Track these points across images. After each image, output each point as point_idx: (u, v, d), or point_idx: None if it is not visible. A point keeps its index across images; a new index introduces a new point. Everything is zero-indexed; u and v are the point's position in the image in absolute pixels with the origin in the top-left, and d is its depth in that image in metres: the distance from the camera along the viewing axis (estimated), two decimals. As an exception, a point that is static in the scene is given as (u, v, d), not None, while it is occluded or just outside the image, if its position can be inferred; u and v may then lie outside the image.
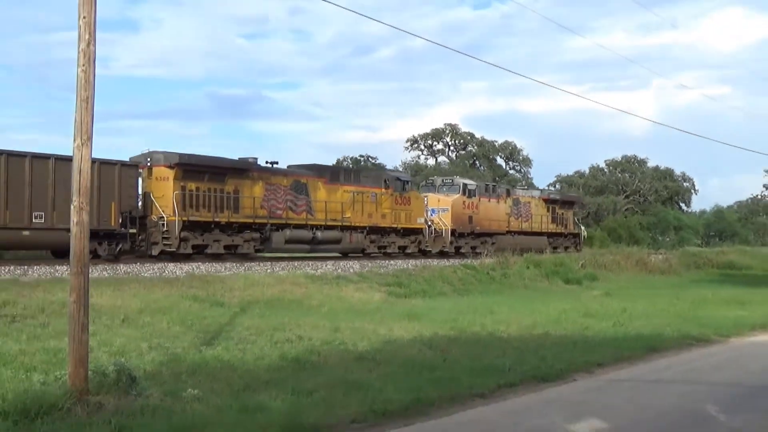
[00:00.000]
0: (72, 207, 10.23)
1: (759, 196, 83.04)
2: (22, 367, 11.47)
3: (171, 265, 27.63)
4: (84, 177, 10.14)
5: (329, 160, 44.38)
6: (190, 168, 28.75)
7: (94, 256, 24.95)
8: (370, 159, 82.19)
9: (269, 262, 30.84)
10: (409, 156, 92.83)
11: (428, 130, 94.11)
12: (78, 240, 10.05)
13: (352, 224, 34.88)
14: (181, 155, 28.61)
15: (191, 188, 28.59)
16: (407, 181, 39.04)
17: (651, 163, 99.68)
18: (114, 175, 26.27)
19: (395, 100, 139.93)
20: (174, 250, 27.83)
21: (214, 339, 15.30)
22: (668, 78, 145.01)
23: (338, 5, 16.03)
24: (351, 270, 30.92)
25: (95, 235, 24.93)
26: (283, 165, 34.16)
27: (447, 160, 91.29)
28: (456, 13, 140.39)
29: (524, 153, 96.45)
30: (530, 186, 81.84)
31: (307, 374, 12.06)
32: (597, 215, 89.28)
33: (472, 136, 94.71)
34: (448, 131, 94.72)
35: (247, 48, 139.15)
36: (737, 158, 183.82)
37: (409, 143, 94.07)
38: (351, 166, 37.37)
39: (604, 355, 14.94)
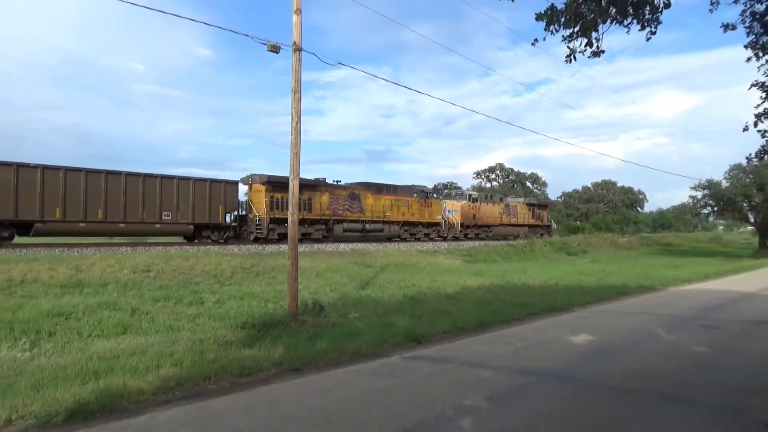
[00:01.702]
0: (289, 212, 11.15)
1: (686, 203, 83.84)
2: (262, 300, 12.50)
3: (342, 245, 28.00)
4: (295, 196, 11.03)
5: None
6: (275, 184, 27.92)
7: (209, 240, 26.14)
8: (453, 184, 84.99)
9: (385, 244, 30.92)
10: (475, 182, 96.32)
11: (486, 167, 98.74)
12: (291, 230, 11.02)
13: (391, 220, 34.56)
14: (270, 176, 28.20)
15: (277, 197, 28.17)
16: (429, 192, 38.61)
17: (619, 184, 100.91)
18: (221, 189, 26.27)
19: (467, 150, 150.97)
20: (264, 236, 27.65)
21: (365, 286, 15.95)
22: (629, 133, 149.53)
23: (434, 97, 17.13)
24: (442, 248, 30.64)
25: (207, 227, 26.06)
26: (346, 182, 33.67)
27: (497, 184, 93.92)
28: (501, 100, 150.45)
29: (543, 179, 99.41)
30: (531, 195, 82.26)
31: (418, 306, 12.55)
32: (586, 215, 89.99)
33: (512, 169, 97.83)
34: (497, 167, 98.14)
35: (383, 122, 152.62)
36: (673, 180, 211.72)
37: (475, 174, 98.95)
38: (418, 186, 36.36)
39: (591, 297, 15.04)
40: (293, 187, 11.12)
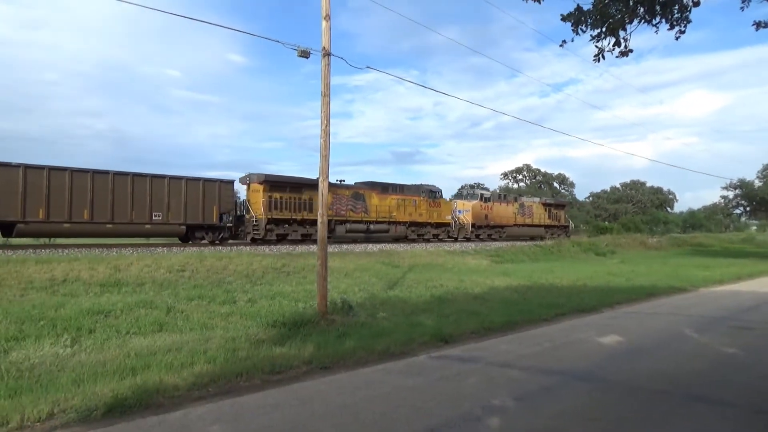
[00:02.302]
0: (319, 213, 11.24)
1: (717, 203, 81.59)
2: (293, 299, 12.64)
3: (370, 246, 27.81)
4: (324, 197, 11.13)
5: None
6: (273, 183, 27.28)
7: (204, 240, 25.05)
8: (479, 185, 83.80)
9: (412, 245, 30.68)
10: (502, 183, 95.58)
11: (513, 168, 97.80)
12: (321, 231, 11.11)
13: (397, 220, 33.09)
14: (267, 175, 27.35)
15: (276, 197, 27.27)
16: (437, 191, 36.19)
17: (648, 184, 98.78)
18: (216, 189, 25.16)
19: (493, 151, 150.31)
20: (261, 237, 26.62)
21: (393, 285, 15.99)
22: (658, 133, 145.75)
23: (461, 99, 17.02)
24: (470, 248, 30.48)
25: (201, 227, 24.92)
26: (350, 182, 32.48)
27: (524, 185, 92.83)
28: (528, 101, 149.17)
29: (570, 180, 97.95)
30: (558, 195, 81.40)
31: (445, 306, 12.54)
32: (615, 216, 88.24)
33: (539, 170, 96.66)
34: (524, 168, 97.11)
35: (410, 124, 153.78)
36: (703, 179, 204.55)
37: (502, 175, 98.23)
38: (425, 185, 34.88)
39: (620, 298, 14.80)
40: (323, 188, 11.23)
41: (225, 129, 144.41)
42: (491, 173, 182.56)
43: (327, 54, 10.89)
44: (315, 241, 27.16)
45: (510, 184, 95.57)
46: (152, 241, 25.70)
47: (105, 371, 6.67)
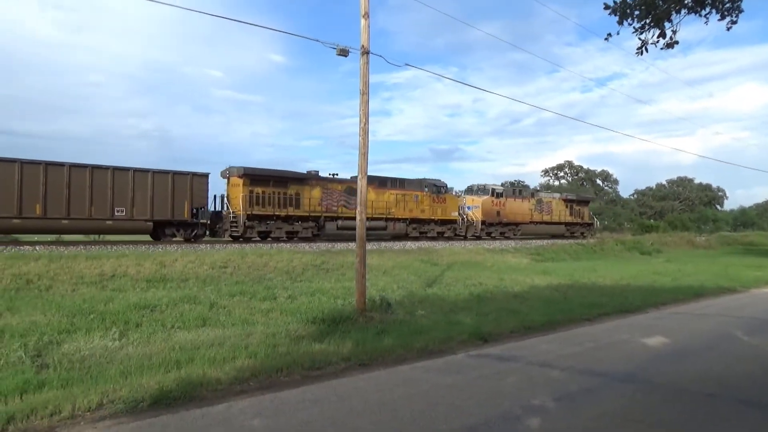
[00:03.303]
0: (357, 211, 11.29)
1: None
2: (332, 296, 12.69)
3: (409, 243, 27.50)
4: (363, 195, 11.13)
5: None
6: (255, 177, 25.48)
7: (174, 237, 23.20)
8: (519, 182, 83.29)
9: (451, 242, 30.37)
10: (543, 180, 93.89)
11: (554, 165, 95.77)
12: (360, 228, 11.12)
13: (395, 216, 30.88)
14: (247, 168, 25.39)
15: (258, 192, 25.47)
16: (442, 186, 33.96)
17: (696, 181, 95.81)
18: (187, 182, 23.14)
19: (534, 148, 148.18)
20: (240, 234, 24.95)
21: (432, 283, 15.90)
22: (707, 128, 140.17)
23: (500, 95, 16.79)
24: (510, 246, 30.10)
25: (170, 224, 23.07)
26: (346, 176, 30.14)
27: (565, 182, 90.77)
28: (570, 96, 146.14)
29: (614, 176, 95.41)
30: (601, 192, 79.55)
31: (484, 304, 12.45)
32: (661, 213, 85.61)
33: (581, 167, 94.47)
34: (566, 165, 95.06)
35: (449, 121, 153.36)
36: (755, 176, 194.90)
37: (543, 172, 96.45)
38: (429, 179, 32.43)
39: (666, 298, 14.52)
40: (362, 186, 11.24)
41: (265, 128, 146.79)
42: (532, 170, 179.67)
43: (366, 52, 10.94)
44: (303, 239, 26.85)
45: (551, 181, 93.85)
46: (118, 238, 24.20)
47: (151, 364, 6.87)
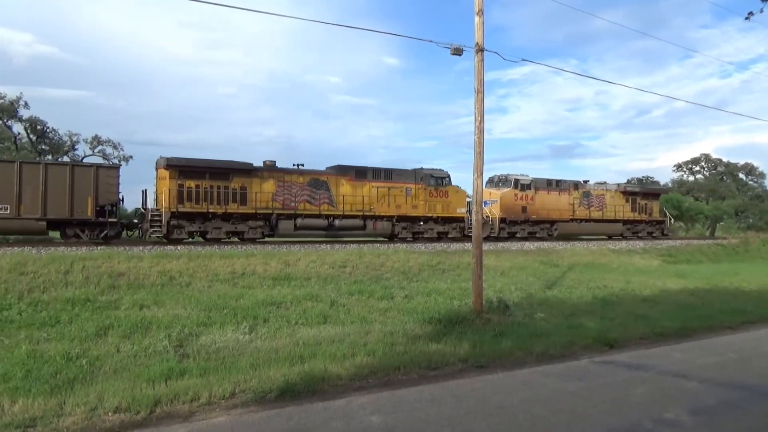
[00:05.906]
0: (473, 211, 11.31)
1: None
2: (448, 296, 12.75)
3: (527, 244, 26.12)
4: (479, 195, 11.08)
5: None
6: (184, 169, 21.78)
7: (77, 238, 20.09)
8: (648, 178, 77.28)
9: (572, 243, 28.00)
10: (675, 175, 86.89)
11: (688, 158, 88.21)
12: (476, 229, 11.08)
13: (377, 214, 25.43)
14: (170, 158, 21.66)
15: (190, 185, 21.72)
16: (443, 178, 27.88)
17: None
18: (90, 176, 20.01)
19: (664, 141, 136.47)
20: (162, 235, 21.29)
21: (552, 285, 15.55)
22: None
23: (626, 86, 15.72)
24: (638, 246, 28.28)
25: (70, 223, 20.01)
26: (321, 167, 25.94)
27: (701, 177, 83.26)
28: (707, 83, 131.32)
29: (759, 170, 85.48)
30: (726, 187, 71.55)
31: (609, 308, 11.94)
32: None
33: (720, 160, 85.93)
34: (701, 158, 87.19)
35: (569, 116, 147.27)
36: None
37: (675, 167, 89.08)
38: (426, 168, 25.28)
39: None
40: (477, 185, 11.18)
41: (380, 130, 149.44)
42: (662, 165, 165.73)
43: (480, 50, 10.85)
44: (251, 240, 22.75)
45: (685, 176, 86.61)
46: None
47: (277, 357, 7.29)
